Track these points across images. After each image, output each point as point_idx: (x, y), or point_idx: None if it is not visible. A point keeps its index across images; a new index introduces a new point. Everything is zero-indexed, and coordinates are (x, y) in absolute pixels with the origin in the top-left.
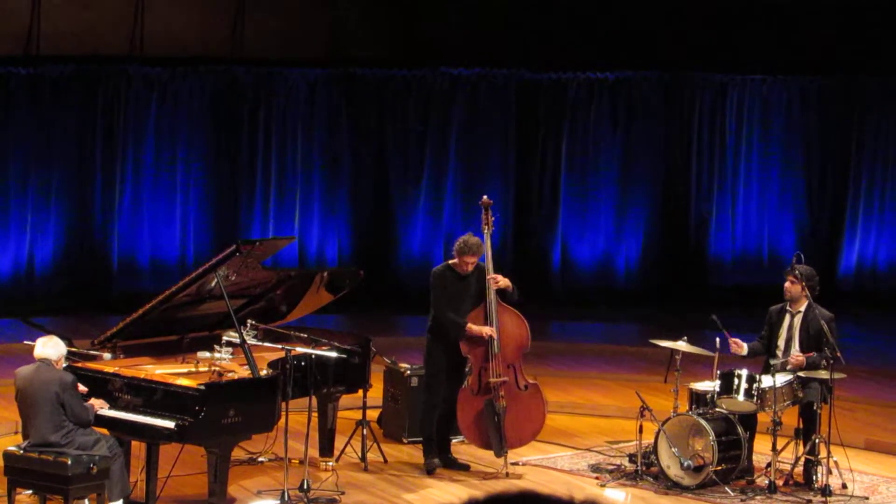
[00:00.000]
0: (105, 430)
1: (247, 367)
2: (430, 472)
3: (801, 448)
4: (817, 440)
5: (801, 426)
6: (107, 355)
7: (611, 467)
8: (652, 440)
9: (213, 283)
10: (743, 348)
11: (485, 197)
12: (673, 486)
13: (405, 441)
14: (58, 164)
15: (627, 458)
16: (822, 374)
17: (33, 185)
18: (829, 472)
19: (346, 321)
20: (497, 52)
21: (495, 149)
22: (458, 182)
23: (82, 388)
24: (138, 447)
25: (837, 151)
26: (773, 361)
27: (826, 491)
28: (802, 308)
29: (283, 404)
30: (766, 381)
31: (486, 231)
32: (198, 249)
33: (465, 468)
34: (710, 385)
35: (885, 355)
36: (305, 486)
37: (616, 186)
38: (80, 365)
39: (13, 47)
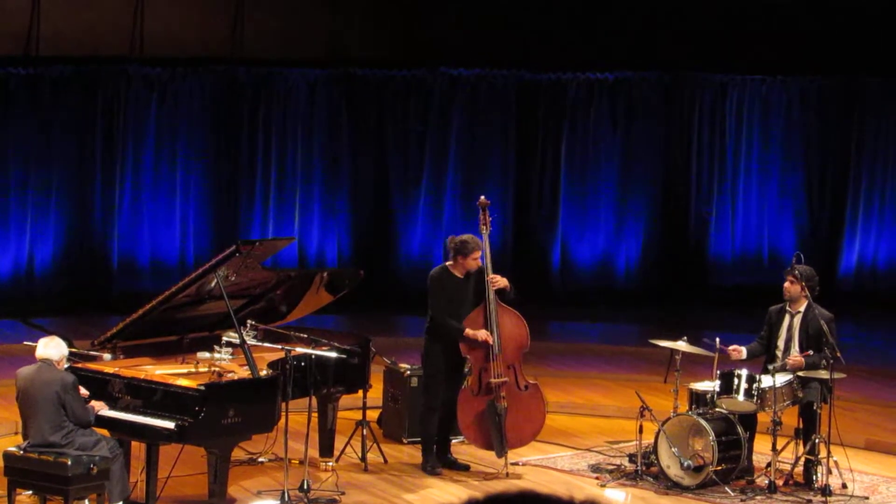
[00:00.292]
0: (105, 431)
1: (247, 367)
2: (430, 472)
3: (801, 448)
4: (817, 440)
5: (801, 426)
6: (107, 356)
7: (611, 467)
8: (652, 440)
9: (212, 284)
10: (742, 353)
11: (482, 197)
12: (673, 486)
13: (405, 441)
14: (58, 164)
15: (627, 458)
16: (822, 373)
17: (33, 185)
18: (829, 471)
19: (345, 321)
20: (497, 52)
21: (495, 149)
22: (458, 182)
23: (83, 391)
24: (138, 448)
25: (837, 151)
26: (770, 366)
27: (826, 491)
28: (802, 308)
29: (283, 405)
30: (766, 381)
31: (483, 231)
32: (198, 250)
33: (465, 468)
34: (709, 385)
35: (885, 355)
36: (305, 487)
37: (616, 186)
38: (80, 365)
39: (13, 47)
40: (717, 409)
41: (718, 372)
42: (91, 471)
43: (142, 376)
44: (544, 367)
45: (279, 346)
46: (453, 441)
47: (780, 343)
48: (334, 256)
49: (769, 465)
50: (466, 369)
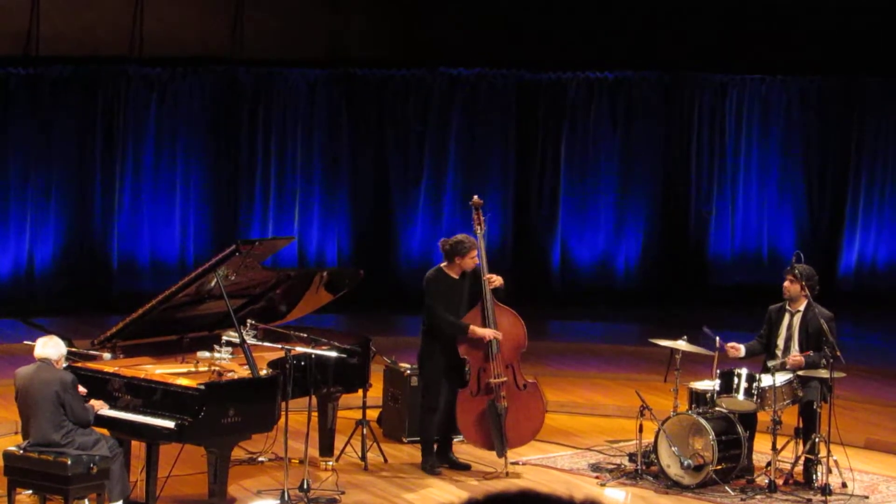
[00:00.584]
0: (105, 431)
1: (246, 366)
2: (430, 472)
3: (801, 447)
4: (817, 439)
5: (801, 425)
6: (107, 355)
7: (611, 466)
8: (652, 439)
9: (212, 283)
10: (740, 350)
11: (475, 197)
12: (673, 486)
13: (405, 441)
14: (57, 164)
15: (627, 458)
16: (821, 373)
17: (33, 185)
18: (829, 471)
19: (345, 321)
20: (497, 52)
21: (495, 149)
22: (458, 182)
23: (82, 389)
24: (138, 447)
25: (837, 151)
26: (770, 363)
27: (826, 490)
28: (802, 307)
29: (283, 404)
30: (766, 380)
31: (478, 231)
32: (197, 249)
33: (466, 468)
34: (709, 384)
35: (885, 354)
36: (305, 486)
37: (616, 186)
38: (79, 365)
39: (13, 48)
40: (717, 409)
41: (718, 371)
42: (91, 470)
43: (142, 376)
44: (544, 366)
45: (279, 346)
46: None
47: (780, 342)
48: (334, 256)
49: (769, 464)
50: (466, 369)
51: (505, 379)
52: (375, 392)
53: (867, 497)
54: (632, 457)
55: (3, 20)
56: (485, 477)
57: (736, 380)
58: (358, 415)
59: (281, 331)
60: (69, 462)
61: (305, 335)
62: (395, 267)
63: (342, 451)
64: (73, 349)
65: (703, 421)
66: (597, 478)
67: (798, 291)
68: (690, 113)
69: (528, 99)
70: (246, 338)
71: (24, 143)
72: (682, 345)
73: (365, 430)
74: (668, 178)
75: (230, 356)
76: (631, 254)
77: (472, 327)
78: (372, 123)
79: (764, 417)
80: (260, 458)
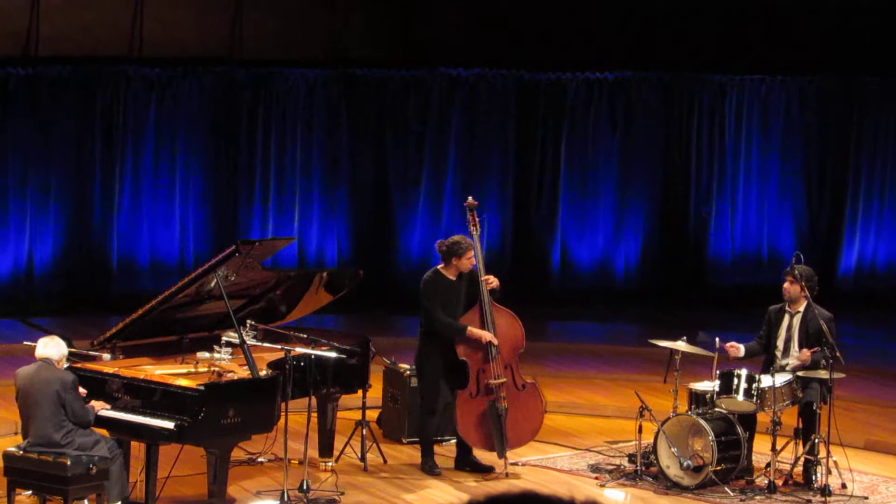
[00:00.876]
0: (105, 431)
1: (246, 367)
2: (429, 473)
3: (800, 448)
4: (817, 440)
5: (801, 426)
6: (106, 356)
7: (610, 467)
8: (651, 440)
9: (212, 284)
10: (740, 350)
11: (469, 198)
12: (672, 486)
13: (404, 441)
14: (57, 164)
15: (627, 459)
16: (821, 373)
17: (32, 185)
18: (829, 471)
19: (345, 321)
20: (496, 52)
21: (494, 149)
22: (457, 182)
23: (82, 390)
24: (138, 448)
25: (836, 151)
26: (782, 362)
27: (825, 491)
28: (801, 308)
29: (283, 405)
30: (766, 380)
31: (474, 233)
32: (197, 250)
33: (489, 470)
34: (709, 385)
35: (885, 355)
36: (305, 487)
37: (615, 187)
38: (79, 365)
39: (12, 48)
40: (716, 409)
41: (718, 372)
42: (90, 471)
43: (141, 376)
44: (543, 367)
45: (279, 347)
46: (444, 443)
47: (780, 343)
48: (334, 256)
49: (769, 465)
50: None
51: (504, 380)
52: (375, 393)
53: (866, 498)
54: (631, 457)
55: (3, 20)
56: (485, 478)
57: (735, 380)
58: (357, 415)
59: (281, 331)
60: (68, 463)
61: (305, 336)
62: (394, 267)
63: (342, 452)
64: (73, 350)
65: (702, 422)
66: (596, 478)
67: (798, 292)
68: (690, 113)
69: (528, 99)
70: (246, 338)
71: (23, 143)
72: (681, 345)
73: (364, 431)
74: (667, 179)
75: (230, 357)
76: (630, 254)
77: (469, 328)
78: (371, 124)
79: (763, 418)
80: (259, 459)
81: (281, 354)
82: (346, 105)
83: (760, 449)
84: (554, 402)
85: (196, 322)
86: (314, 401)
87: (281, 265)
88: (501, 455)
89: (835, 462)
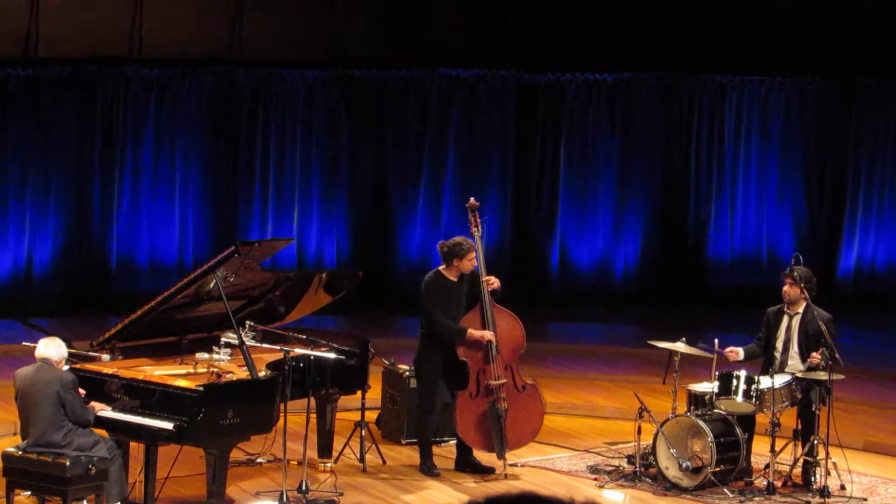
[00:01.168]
0: (104, 432)
1: (245, 368)
2: (428, 474)
3: (799, 449)
4: (816, 441)
5: (800, 427)
6: (105, 356)
7: (609, 468)
8: (650, 441)
9: (211, 285)
10: (739, 354)
11: (471, 199)
12: (671, 488)
13: (404, 442)
14: (56, 165)
15: (626, 460)
16: (820, 375)
17: (32, 186)
18: (828, 473)
19: (344, 322)
20: (496, 53)
21: (494, 150)
22: (457, 183)
23: (81, 391)
24: (137, 448)
25: (836, 152)
26: (789, 363)
27: (824, 492)
28: (800, 309)
29: (282, 405)
30: (765, 382)
31: (475, 234)
32: (196, 250)
33: (489, 471)
34: (708, 386)
35: (884, 356)
36: (304, 488)
37: (615, 188)
38: (78, 366)
39: (12, 49)
40: (715, 411)
41: (717, 373)
42: (89, 471)
43: (140, 377)
44: (543, 368)
45: (278, 347)
46: (443, 444)
47: (779, 344)
48: (333, 257)
49: (768, 466)
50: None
51: (504, 381)
52: (374, 393)
53: (865, 499)
54: (630, 459)
55: (3, 21)
56: (484, 479)
57: (734, 382)
58: (356, 416)
59: (280, 332)
60: (68, 463)
61: (304, 336)
62: (394, 268)
63: (341, 453)
64: (73, 350)
65: (701, 423)
66: (595, 479)
67: (798, 294)
68: (689, 114)
69: (527, 100)
70: (245, 339)
71: (23, 143)
72: (680, 347)
73: (363, 432)
74: (667, 180)
75: (229, 358)
76: (630, 255)
77: (469, 330)
78: (371, 124)
79: (762, 419)
80: (258, 460)
81: (280, 355)
82: (346, 105)
83: (759, 450)
84: (553, 403)
85: (195, 323)
86: (313, 402)
87: (280, 266)
88: (501, 456)
89: (834, 463)
